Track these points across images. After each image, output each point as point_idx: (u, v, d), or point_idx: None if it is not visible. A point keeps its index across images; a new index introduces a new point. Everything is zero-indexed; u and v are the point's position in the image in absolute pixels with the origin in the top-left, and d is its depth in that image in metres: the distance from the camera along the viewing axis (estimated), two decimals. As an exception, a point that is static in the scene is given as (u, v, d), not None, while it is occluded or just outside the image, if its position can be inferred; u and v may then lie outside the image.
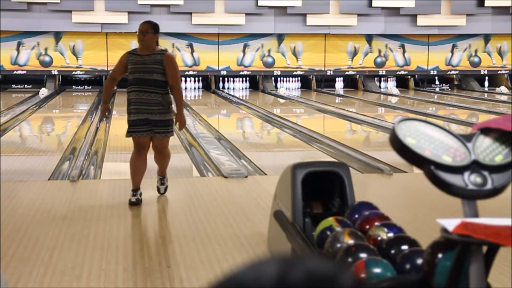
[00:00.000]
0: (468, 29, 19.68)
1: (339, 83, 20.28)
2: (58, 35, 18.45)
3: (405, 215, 5.03)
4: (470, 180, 1.93)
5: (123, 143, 9.78)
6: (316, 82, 20.10)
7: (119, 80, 5.72)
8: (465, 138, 2.02)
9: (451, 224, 1.84)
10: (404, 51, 20.08)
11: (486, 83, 20.80)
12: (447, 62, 20.34)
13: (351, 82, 20.45)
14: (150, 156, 5.74)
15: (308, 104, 16.11)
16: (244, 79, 19.70)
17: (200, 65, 19.14)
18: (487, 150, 1.99)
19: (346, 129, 12.13)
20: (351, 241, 2.99)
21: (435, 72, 20.47)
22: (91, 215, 5.31)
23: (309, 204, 3.85)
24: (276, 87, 19.37)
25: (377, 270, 2.65)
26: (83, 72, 18.82)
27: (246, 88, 19.68)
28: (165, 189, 5.87)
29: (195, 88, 19.54)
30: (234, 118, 14.21)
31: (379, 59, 20.00)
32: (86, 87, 19.23)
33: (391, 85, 20.02)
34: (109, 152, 8.79)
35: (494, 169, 1.96)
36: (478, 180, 1.93)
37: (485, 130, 2.05)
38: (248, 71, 19.33)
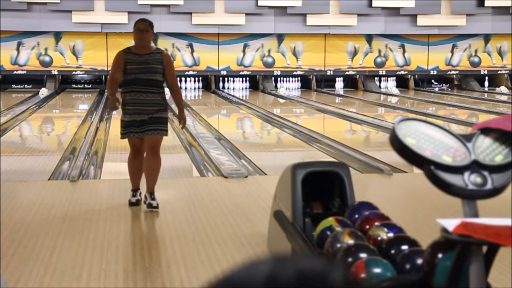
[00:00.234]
0: (468, 29, 19.68)
1: (339, 83, 20.28)
2: (58, 35, 18.45)
3: (405, 215, 5.03)
4: (470, 180, 1.93)
5: (123, 143, 9.75)
6: (316, 82, 20.11)
7: (120, 80, 5.51)
8: (465, 138, 2.02)
9: (451, 224, 1.84)
10: (404, 51, 20.08)
11: (486, 83, 20.80)
12: (447, 62, 20.34)
13: (351, 82, 20.45)
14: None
15: (308, 104, 16.11)
16: (244, 79, 19.70)
17: (200, 65, 19.14)
18: (487, 150, 1.99)
19: (346, 129, 12.13)
20: (351, 241, 2.99)
21: (435, 72, 20.48)
22: (91, 215, 5.31)
23: (309, 204, 3.85)
24: (276, 87, 19.37)
25: (377, 270, 2.65)
26: (83, 72, 18.82)
27: (246, 88, 19.68)
28: (157, 204, 5.41)
29: (195, 88, 19.54)
30: (234, 118, 14.21)
31: (379, 59, 20.00)
32: (86, 86, 19.22)
33: (391, 85, 20.02)
34: (109, 152, 8.79)
35: (494, 169, 1.95)
36: (478, 180, 1.93)
37: (485, 130, 2.05)
38: (248, 71, 19.33)
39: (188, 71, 19.05)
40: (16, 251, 4.40)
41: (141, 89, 5.40)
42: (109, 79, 5.68)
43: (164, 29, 18.17)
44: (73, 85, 19.25)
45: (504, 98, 17.26)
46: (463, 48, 20.39)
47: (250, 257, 4.28)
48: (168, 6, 18.02)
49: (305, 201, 3.82)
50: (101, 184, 6.65)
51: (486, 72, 20.58)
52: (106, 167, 7.84)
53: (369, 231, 3.19)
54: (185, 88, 19.11)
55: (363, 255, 2.82)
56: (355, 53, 19.89)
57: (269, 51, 19.45)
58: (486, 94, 18.98)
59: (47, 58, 18.50)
